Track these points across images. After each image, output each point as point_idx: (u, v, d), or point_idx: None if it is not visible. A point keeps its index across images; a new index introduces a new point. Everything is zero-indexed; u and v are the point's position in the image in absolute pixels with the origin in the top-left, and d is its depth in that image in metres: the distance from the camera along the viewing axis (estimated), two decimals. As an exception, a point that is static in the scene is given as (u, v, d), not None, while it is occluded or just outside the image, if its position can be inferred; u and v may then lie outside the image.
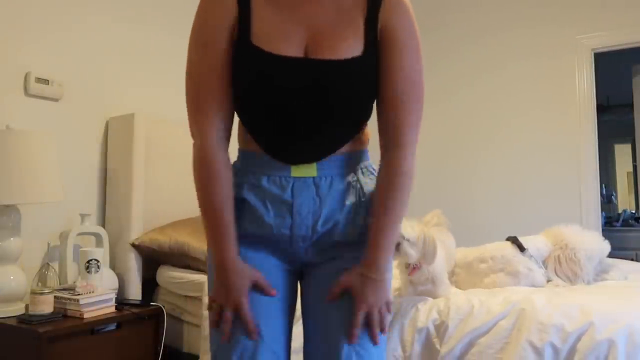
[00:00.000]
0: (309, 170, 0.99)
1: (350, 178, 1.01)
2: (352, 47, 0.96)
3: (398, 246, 1.68)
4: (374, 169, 1.07)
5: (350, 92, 0.96)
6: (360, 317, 0.97)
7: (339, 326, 0.98)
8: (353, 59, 0.95)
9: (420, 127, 1.03)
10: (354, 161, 1.03)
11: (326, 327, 1.00)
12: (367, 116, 1.04)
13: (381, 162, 1.04)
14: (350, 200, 1.00)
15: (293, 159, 1.00)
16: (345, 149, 1.01)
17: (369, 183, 1.03)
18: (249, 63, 0.96)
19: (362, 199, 1.01)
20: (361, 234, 1.01)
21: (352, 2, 0.99)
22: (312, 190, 0.99)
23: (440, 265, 1.75)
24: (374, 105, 1.04)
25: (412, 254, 1.68)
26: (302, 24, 0.97)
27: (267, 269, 1.02)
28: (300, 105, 0.95)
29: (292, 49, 0.95)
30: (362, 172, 1.03)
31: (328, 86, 0.95)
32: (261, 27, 0.96)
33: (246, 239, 1.01)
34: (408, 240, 1.66)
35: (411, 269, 1.73)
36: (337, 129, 0.99)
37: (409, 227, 1.69)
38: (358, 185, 1.01)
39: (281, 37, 0.96)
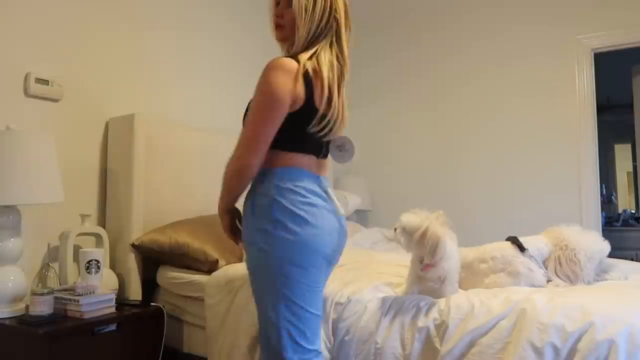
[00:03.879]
0: None
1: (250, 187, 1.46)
2: None
3: (395, 230, 1.65)
4: (270, 181, 1.39)
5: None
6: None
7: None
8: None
9: (252, 139, 1.39)
10: (258, 177, 1.43)
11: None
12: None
13: None
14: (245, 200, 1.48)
15: None
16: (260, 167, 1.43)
17: (253, 192, 1.43)
18: None
19: (248, 200, 1.45)
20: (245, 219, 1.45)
21: None
22: None
23: (455, 265, 1.72)
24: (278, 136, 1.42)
25: (402, 241, 1.66)
26: None
27: None
28: None
29: None
30: (256, 184, 1.44)
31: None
32: None
33: None
34: (404, 228, 1.64)
35: (424, 265, 1.68)
36: None
37: (412, 217, 1.64)
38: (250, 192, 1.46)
39: None
